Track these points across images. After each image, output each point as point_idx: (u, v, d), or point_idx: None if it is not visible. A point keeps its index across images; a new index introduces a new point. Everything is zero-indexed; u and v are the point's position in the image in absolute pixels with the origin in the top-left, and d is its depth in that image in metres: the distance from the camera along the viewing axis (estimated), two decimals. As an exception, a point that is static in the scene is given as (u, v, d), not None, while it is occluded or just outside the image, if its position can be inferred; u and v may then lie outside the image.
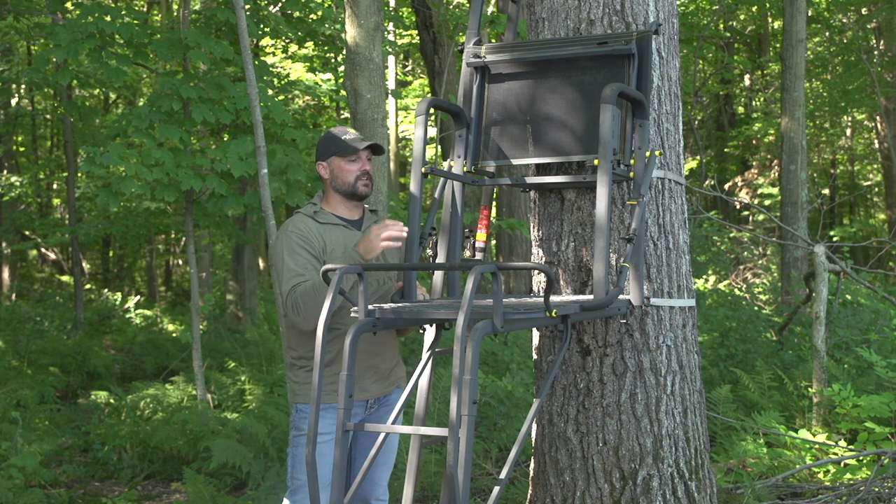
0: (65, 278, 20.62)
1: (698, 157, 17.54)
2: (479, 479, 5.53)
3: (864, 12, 16.49)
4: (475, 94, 3.46)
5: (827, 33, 18.32)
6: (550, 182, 3.38)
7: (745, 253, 15.29)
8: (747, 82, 21.27)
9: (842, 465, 5.20)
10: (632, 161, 3.12)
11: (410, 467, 3.21)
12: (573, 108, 3.26)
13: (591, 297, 3.09)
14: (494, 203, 12.63)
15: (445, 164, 3.52)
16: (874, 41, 17.50)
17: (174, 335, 12.93)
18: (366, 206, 3.60)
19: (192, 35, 7.22)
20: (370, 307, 2.81)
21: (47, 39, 9.29)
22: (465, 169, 3.44)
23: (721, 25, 18.31)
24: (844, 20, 16.78)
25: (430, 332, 3.32)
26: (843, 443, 5.53)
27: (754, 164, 18.70)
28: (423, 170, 3.27)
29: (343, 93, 11.21)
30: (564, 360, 3.42)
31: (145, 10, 16.26)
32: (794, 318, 8.39)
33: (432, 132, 13.42)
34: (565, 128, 3.40)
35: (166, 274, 23.03)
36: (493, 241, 14.03)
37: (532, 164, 3.51)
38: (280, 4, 9.28)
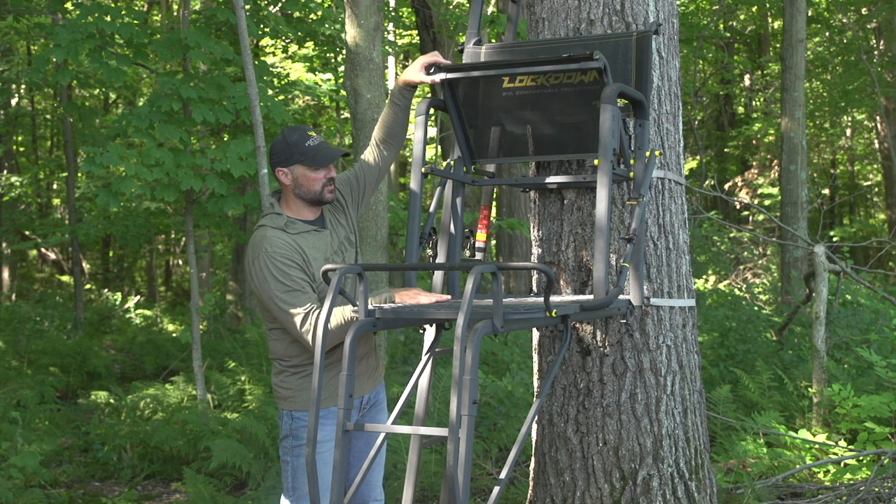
0: (65, 278, 20.63)
1: (698, 157, 17.54)
2: (479, 479, 5.53)
3: (864, 12, 16.49)
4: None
5: (827, 33, 18.32)
6: (550, 182, 3.38)
7: (745, 253, 15.30)
8: (747, 82, 21.28)
9: (842, 465, 5.20)
10: (632, 161, 3.12)
11: (410, 467, 3.21)
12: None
13: (591, 297, 3.09)
14: (494, 203, 12.63)
15: (445, 164, 3.52)
16: (874, 41, 17.50)
17: (174, 335, 12.92)
18: None
19: (192, 35, 7.22)
20: (370, 307, 2.81)
21: (47, 39, 9.30)
22: (464, 169, 3.44)
23: (721, 25, 18.30)
24: (844, 20, 16.77)
25: (430, 332, 3.32)
26: (843, 443, 5.52)
27: (754, 164, 18.71)
28: (423, 170, 3.27)
29: (343, 93, 11.22)
30: (564, 360, 3.42)
31: (145, 10, 16.27)
32: (794, 318, 8.39)
33: (432, 132, 13.43)
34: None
35: (166, 274, 23.03)
36: (493, 241, 14.03)
37: (532, 163, 3.51)
38: (280, 4, 9.29)
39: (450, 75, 3.27)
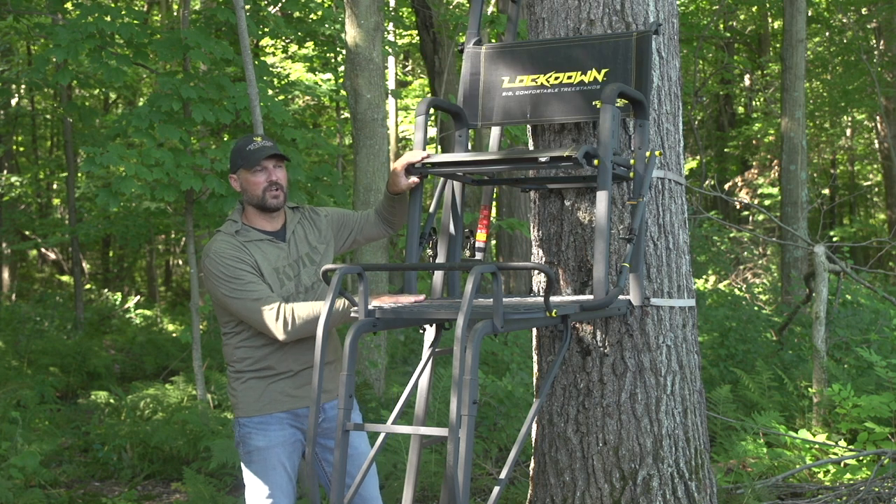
0: (65, 278, 20.62)
1: (698, 157, 17.54)
2: (479, 479, 5.54)
3: (864, 12, 16.49)
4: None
5: (827, 33, 18.33)
6: (550, 182, 3.38)
7: (745, 253, 15.30)
8: (747, 82, 21.28)
9: (842, 465, 5.20)
10: (632, 161, 3.12)
11: (410, 467, 3.21)
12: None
13: (591, 297, 3.09)
14: (494, 203, 12.63)
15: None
16: (874, 41, 17.50)
17: (174, 335, 12.92)
18: (288, 205, 3.44)
19: (192, 35, 7.22)
20: (370, 307, 2.80)
21: (47, 39, 9.30)
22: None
23: (721, 25, 18.31)
24: (844, 20, 16.78)
25: (430, 332, 3.32)
26: (843, 443, 5.53)
27: (754, 164, 18.71)
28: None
29: (343, 93, 11.22)
30: (564, 360, 3.42)
31: (145, 10, 16.26)
32: (794, 318, 8.39)
33: (432, 132, 13.43)
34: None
35: (166, 274, 23.03)
36: (493, 241, 14.03)
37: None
38: (280, 4, 9.29)
39: (431, 170, 3.19)
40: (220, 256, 3.22)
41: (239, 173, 3.33)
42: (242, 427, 3.31)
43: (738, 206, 17.33)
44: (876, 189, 22.23)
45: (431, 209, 3.38)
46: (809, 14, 15.98)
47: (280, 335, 3.13)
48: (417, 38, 14.06)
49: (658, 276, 3.39)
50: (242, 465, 3.35)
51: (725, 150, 20.31)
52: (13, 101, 17.28)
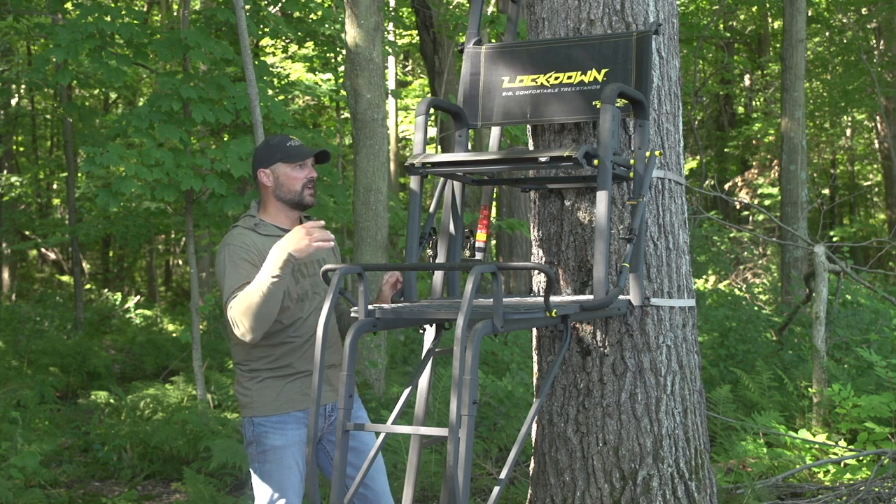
0: (65, 278, 20.62)
1: (698, 157, 17.55)
2: (479, 479, 5.54)
3: (864, 12, 16.49)
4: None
5: (827, 33, 18.33)
6: (550, 182, 3.38)
7: (745, 253, 15.30)
8: (747, 82, 21.28)
9: (842, 465, 5.20)
10: (632, 161, 3.12)
11: (410, 467, 3.21)
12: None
13: (591, 297, 3.09)
14: (494, 203, 12.63)
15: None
16: (874, 41, 17.50)
17: (174, 335, 12.91)
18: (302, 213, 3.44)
19: (192, 35, 7.22)
20: (370, 307, 2.80)
21: (47, 39, 9.30)
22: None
23: (721, 25, 18.31)
24: (844, 20, 16.78)
25: (430, 333, 3.32)
26: (843, 443, 5.53)
27: (754, 164, 18.72)
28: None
29: (343, 93, 11.23)
30: (564, 360, 3.42)
31: (145, 10, 16.27)
32: (794, 318, 8.39)
33: (432, 132, 13.43)
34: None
35: (166, 274, 23.02)
36: (493, 241, 14.03)
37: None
38: (280, 4, 9.29)
39: (431, 170, 3.17)
40: (235, 246, 3.21)
41: (276, 167, 3.31)
42: (258, 426, 3.28)
43: (738, 206, 17.33)
44: (876, 189, 22.23)
45: (431, 209, 3.38)
46: (809, 14, 15.98)
47: (245, 337, 3.09)
48: (417, 38, 14.07)
49: (658, 276, 3.39)
50: (254, 465, 3.31)
51: (725, 150, 20.31)
52: (13, 101, 17.28)
